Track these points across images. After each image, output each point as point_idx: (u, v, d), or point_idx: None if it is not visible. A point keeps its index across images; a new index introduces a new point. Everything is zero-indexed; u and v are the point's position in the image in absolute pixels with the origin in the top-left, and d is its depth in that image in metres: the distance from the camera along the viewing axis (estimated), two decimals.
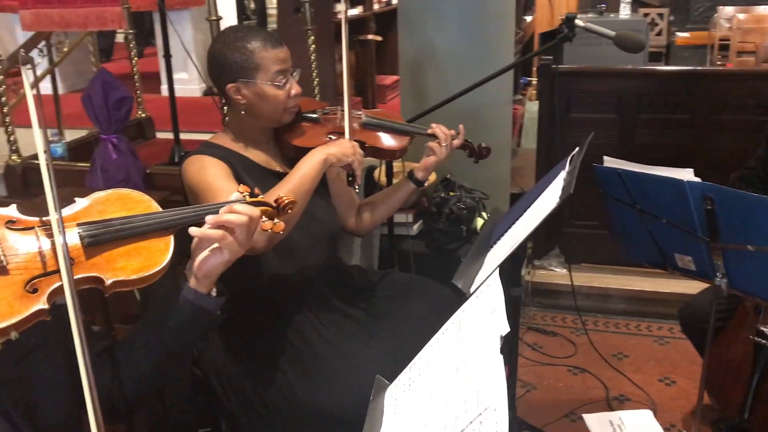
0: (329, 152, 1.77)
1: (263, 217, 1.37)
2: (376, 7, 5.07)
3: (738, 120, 3.11)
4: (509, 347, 2.13)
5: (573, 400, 2.61)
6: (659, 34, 7.35)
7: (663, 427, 2.44)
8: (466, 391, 1.05)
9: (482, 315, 1.18)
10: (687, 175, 1.72)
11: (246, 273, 1.68)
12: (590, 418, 2.50)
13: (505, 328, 1.09)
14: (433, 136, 2.08)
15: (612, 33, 2.15)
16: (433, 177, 2.88)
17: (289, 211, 1.44)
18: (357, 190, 2.06)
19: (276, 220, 1.40)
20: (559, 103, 3.23)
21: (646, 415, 2.52)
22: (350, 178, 1.86)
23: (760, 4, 6.71)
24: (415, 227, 2.83)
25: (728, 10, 6.37)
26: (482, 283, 1.45)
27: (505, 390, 0.96)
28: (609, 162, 1.86)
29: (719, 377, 2.15)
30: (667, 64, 6.87)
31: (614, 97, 3.24)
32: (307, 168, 1.74)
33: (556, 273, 3.35)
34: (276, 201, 1.43)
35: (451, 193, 2.84)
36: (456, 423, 1.01)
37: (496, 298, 1.18)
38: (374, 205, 2.15)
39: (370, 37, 4.71)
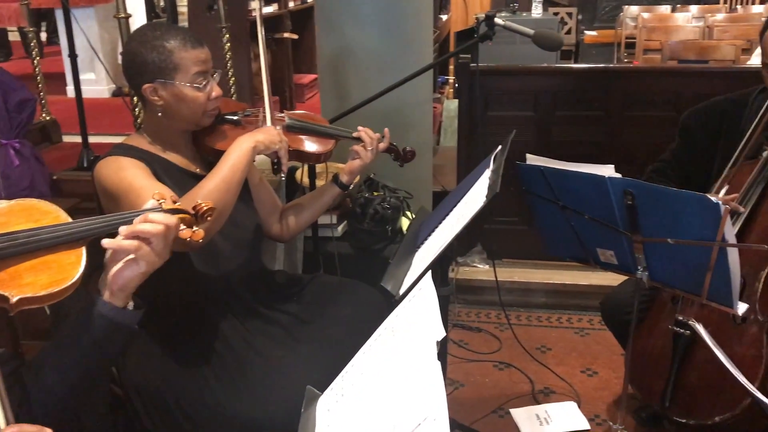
0: (257, 139, 1.73)
1: (181, 225, 1.30)
2: (291, 4, 5.00)
3: (648, 115, 3.21)
4: (441, 348, 2.12)
5: (500, 396, 2.64)
6: (569, 32, 7.57)
7: (587, 418, 2.49)
8: (402, 400, 1.02)
9: (416, 320, 1.15)
10: (608, 171, 1.75)
11: (166, 280, 1.60)
12: (517, 413, 2.52)
13: (441, 333, 1.07)
14: (359, 140, 2.05)
15: (531, 31, 2.17)
16: (356, 178, 2.85)
17: (208, 218, 1.38)
18: (282, 177, 2.02)
19: (195, 228, 1.33)
20: (478, 102, 3.26)
21: (571, 406, 2.57)
22: (275, 166, 1.83)
23: (662, 4, 7.02)
24: (340, 228, 2.79)
25: (633, 10, 6.63)
26: (412, 285, 1.43)
27: (445, 399, 0.94)
28: (531, 159, 1.88)
29: (640, 367, 2.21)
30: (576, 62, 7.08)
31: (531, 95, 3.29)
32: (236, 156, 1.69)
33: (479, 269, 3.39)
34: (194, 208, 1.36)
35: (375, 193, 2.81)
36: None
37: (429, 302, 1.15)
38: (298, 210, 2.10)
39: (286, 35, 4.63)
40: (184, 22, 4.96)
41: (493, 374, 2.79)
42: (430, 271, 1.42)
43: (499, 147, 1.94)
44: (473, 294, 3.34)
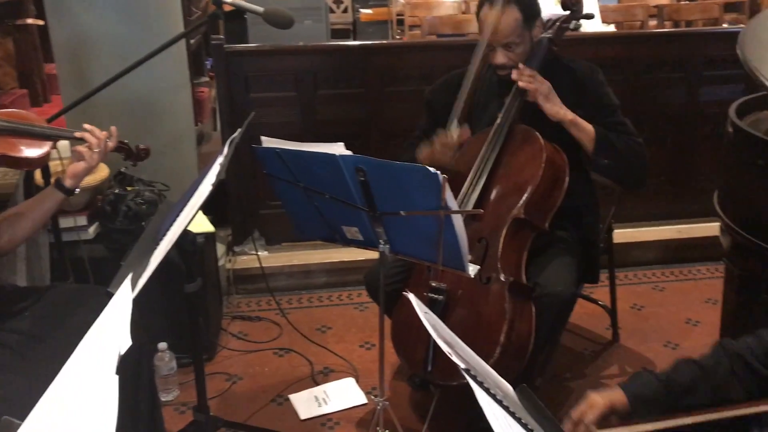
0: None
1: None
2: None
3: (407, 91, 3.29)
4: (194, 352, 2.02)
5: (280, 383, 2.60)
6: (345, 11, 7.64)
7: (365, 391, 2.53)
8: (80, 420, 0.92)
9: (107, 331, 1.05)
10: (339, 149, 1.74)
11: None
12: (296, 398, 2.50)
13: (126, 344, 0.98)
14: (81, 140, 1.87)
15: (260, 9, 2.11)
16: (104, 173, 2.64)
17: None
18: None
19: None
20: (237, 84, 3.16)
21: (349, 382, 2.59)
22: None
23: None
24: (91, 230, 2.58)
25: None
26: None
27: (114, 415, 0.85)
28: (267, 142, 1.82)
29: (403, 336, 2.26)
30: (354, 40, 7.17)
31: (291, 75, 3.24)
32: None
33: (257, 257, 3.30)
34: None
35: (129, 188, 2.63)
36: None
37: (121, 310, 1.05)
38: (15, 220, 1.86)
39: (30, 21, 4.19)
40: None
41: (273, 362, 2.74)
42: (129, 276, 1.32)
43: (238, 131, 1.87)
44: (253, 283, 3.26)
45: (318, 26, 5.40)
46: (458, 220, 1.63)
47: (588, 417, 1.41)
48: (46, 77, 4.44)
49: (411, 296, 1.34)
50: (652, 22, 4.84)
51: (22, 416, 1.26)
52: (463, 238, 1.67)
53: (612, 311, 2.85)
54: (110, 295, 1.64)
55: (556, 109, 2.15)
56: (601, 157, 2.19)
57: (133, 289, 1.65)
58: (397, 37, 6.47)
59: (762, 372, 1.40)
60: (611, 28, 4.78)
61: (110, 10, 2.72)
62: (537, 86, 2.14)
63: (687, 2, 5.28)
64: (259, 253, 3.33)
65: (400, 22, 6.64)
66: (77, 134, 1.86)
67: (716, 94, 3.42)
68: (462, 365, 1.15)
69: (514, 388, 1.37)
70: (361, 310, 3.10)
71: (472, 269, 1.80)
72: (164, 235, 1.81)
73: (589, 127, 2.17)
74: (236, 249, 3.34)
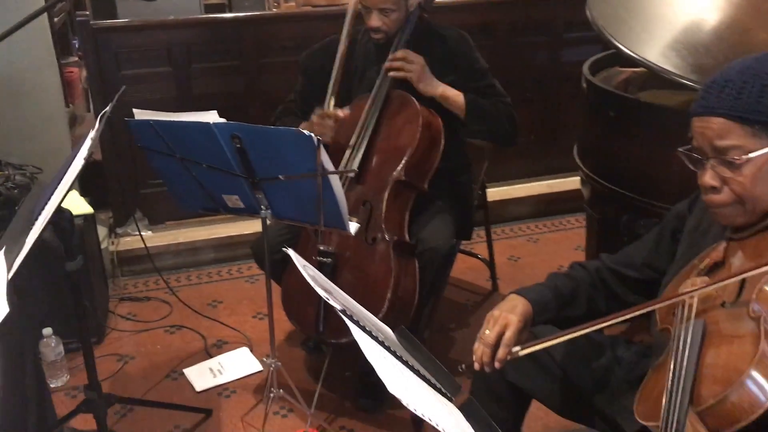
0: None
1: None
2: None
3: (283, 61, 3.30)
4: (81, 330, 2.00)
5: (173, 359, 2.60)
6: None
7: (259, 359, 2.57)
8: None
9: None
10: (212, 117, 1.76)
11: None
12: (190, 371, 2.51)
13: (4, 310, 0.98)
14: None
15: None
16: None
17: None
18: None
19: None
20: (108, 62, 3.07)
21: (243, 352, 2.63)
22: None
23: None
24: None
25: None
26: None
27: None
28: (139, 114, 1.81)
29: (293, 301, 2.32)
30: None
31: (164, 50, 3.18)
32: None
33: (140, 237, 3.25)
34: None
35: None
36: None
37: None
38: None
39: None
40: None
41: (164, 339, 2.73)
42: (1, 255, 1.30)
43: (108, 106, 1.84)
44: (139, 264, 3.20)
45: (191, 1, 5.26)
46: (336, 181, 1.70)
47: (507, 336, 1.39)
48: None
49: (290, 251, 1.40)
50: None
51: None
52: (341, 198, 1.74)
53: (491, 263, 3.02)
54: None
55: (428, 88, 2.25)
56: (473, 122, 2.30)
57: (9, 270, 1.62)
58: (274, 9, 6.42)
59: (616, 286, 1.54)
60: None
61: None
62: (407, 71, 2.23)
63: None
64: (143, 233, 3.27)
65: None
66: None
67: (578, 55, 3.63)
68: (338, 307, 1.21)
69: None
70: (252, 283, 3.13)
71: (353, 227, 1.88)
72: (39, 214, 1.77)
73: (459, 98, 2.27)
74: (119, 231, 3.26)
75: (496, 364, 1.40)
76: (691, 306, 1.09)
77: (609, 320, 1.29)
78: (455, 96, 2.26)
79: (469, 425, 1.19)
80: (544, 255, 3.33)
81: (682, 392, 0.98)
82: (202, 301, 2.96)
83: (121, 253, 3.17)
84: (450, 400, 1.26)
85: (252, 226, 3.29)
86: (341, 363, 2.47)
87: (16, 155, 2.63)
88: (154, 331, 2.78)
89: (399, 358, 1.28)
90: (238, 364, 2.55)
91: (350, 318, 1.21)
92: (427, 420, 1.04)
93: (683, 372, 1.01)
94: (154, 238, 3.27)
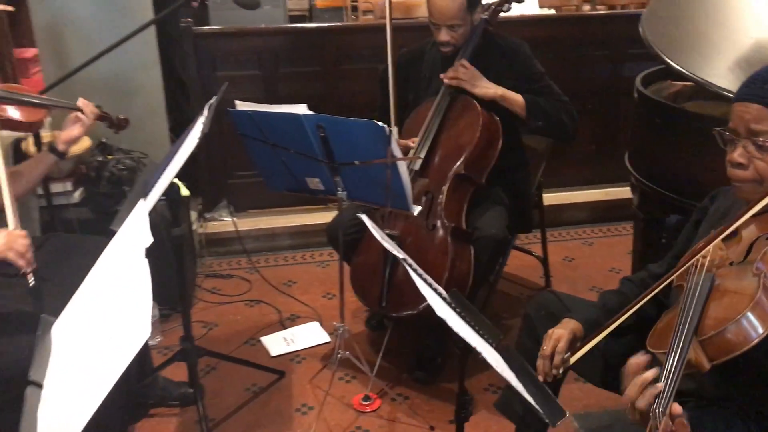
0: None
1: None
2: None
3: (360, 69, 3.61)
4: (181, 287, 2.33)
5: (251, 328, 2.92)
6: None
7: (328, 333, 2.86)
8: (118, 298, 1.23)
9: (129, 235, 1.36)
10: (302, 109, 2.06)
11: None
12: (266, 339, 2.82)
13: (149, 240, 1.29)
14: (76, 110, 2.15)
15: None
16: (87, 143, 2.91)
17: None
18: (32, 283, 1.85)
19: None
20: (205, 63, 3.44)
21: (314, 326, 2.92)
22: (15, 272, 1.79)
23: None
24: (77, 194, 2.85)
25: None
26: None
27: (149, 283, 1.16)
28: (240, 105, 2.13)
29: (362, 279, 2.60)
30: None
31: (255, 55, 3.54)
32: None
33: (226, 222, 3.60)
34: None
35: (109, 157, 2.90)
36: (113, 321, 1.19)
37: (140, 222, 1.36)
38: (16, 177, 2.13)
39: (1, 7, 4.38)
40: None
41: (244, 311, 3.06)
42: (142, 199, 1.62)
43: (213, 98, 2.17)
44: (223, 246, 3.56)
45: (276, 11, 5.66)
46: (403, 167, 1.97)
47: (560, 346, 1.64)
48: (16, 61, 4.62)
49: (364, 217, 1.67)
50: (587, 7, 5.24)
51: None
52: (407, 183, 2.01)
53: (544, 260, 3.23)
54: (113, 233, 1.94)
55: (484, 90, 2.50)
56: (534, 120, 2.54)
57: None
58: (351, 20, 6.77)
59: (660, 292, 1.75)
60: (551, 12, 5.16)
61: None
62: (460, 79, 2.48)
63: None
64: (226, 219, 3.64)
65: (355, 9, 6.95)
66: (78, 104, 2.14)
67: (638, 70, 3.79)
68: (401, 256, 1.47)
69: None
70: (323, 267, 3.43)
71: (416, 209, 2.14)
72: (152, 187, 2.11)
73: (518, 98, 2.51)
74: (207, 215, 3.63)
75: (553, 371, 1.65)
76: (702, 264, 1.32)
77: (636, 304, 1.50)
78: (514, 96, 2.50)
79: (507, 366, 1.43)
80: (598, 257, 3.51)
81: (688, 325, 1.21)
82: (278, 281, 3.27)
83: (208, 236, 3.53)
84: (491, 345, 1.50)
85: (324, 217, 3.59)
86: (400, 339, 2.73)
87: (125, 142, 3.01)
88: (236, 303, 3.11)
89: (453, 308, 1.53)
90: (308, 335, 2.85)
91: (414, 271, 1.47)
92: (475, 347, 1.29)
93: (691, 310, 1.23)
94: (238, 223, 3.61)
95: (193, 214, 3.49)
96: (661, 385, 1.15)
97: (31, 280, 1.80)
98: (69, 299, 1.91)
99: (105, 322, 1.20)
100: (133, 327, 1.06)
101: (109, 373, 1.06)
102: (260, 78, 3.56)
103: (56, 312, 1.89)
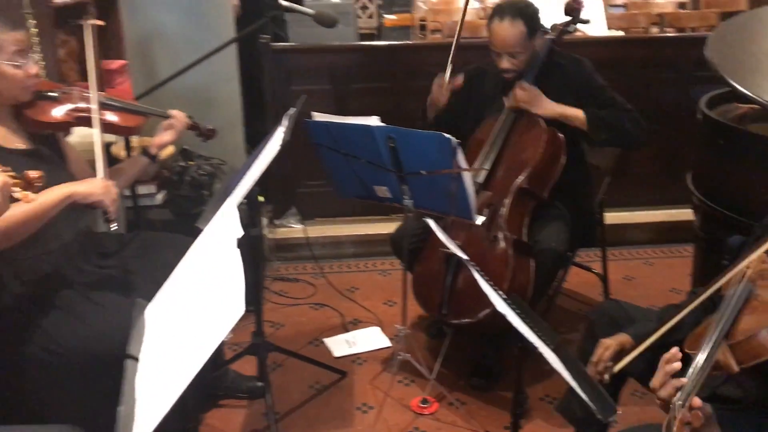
0: (76, 190, 1.93)
1: (15, 187, 1.55)
2: None
3: (426, 85, 3.71)
4: (255, 286, 2.48)
5: (315, 330, 3.05)
6: (371, 17, 8.12)
7: (388, 338, 2.97)
8: (211, 282, 1.37)
9: (220, 229, 1.50)
10: (374, 121, 2.19)
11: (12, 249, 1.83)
12: (329, 340, 2.95)
13: (239, 233, 1.42)
14: (169, 118, 2.34)
15: (312, 11, 2.56)
16: (170, 150, 3.12)
17: (37, 184, 1.63)
18: (115, 228, 2.07)
19: (27, 192, 1.58)
20: (281, 77, 3.62)
21: (375, 330, 3.04)
22: (106, 215, 1.99)
23: None
24: (160, 197, 3.05)
25: None
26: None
27: (242, 274, 1.29)
28: (317, 117, 2.28)
29: (423, 286, 2.70)
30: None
31: (328, 71, 3.71)
32: (47, 198, 1.86)
33: (294, 229, 3.77)
34: (24, 176, 1.61)
35: (190, 162, 3.09)
36: (205, 305, 1.33)
37: (230, 217, 1.50)
38: (116, 174, 2.32)
39: (91, 21, 4.69)
40: None
41: (309, 314, 3.20)
42: (231, 197, 1.77)
43: (292, 109, 2.32)
44: (291, 251, 3.72)
45: (347, 29, 5.86)
46: (467, 178, 2.07)
47: (605, 355, 1.76)
48: (103, 71, 4.94)
49: (431, 222, 1.78)
50: (655, 29, 5.25)
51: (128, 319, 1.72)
52: (471, 194, 2.11)
53: (604, 277, 3.27)
54: (199, 231, 2.11)
55: (543, 110, 2.58)
56: (597, 133, 2.59)
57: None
58: (418, 39, 6.93)
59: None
60: (619, 34, 5.20)
61: (176, 10, 3.19)
62: (521, 102, 2.58)
63: (687, 11, 5.68)
64: (295, 226, 3.81)
65: (422, 28, 7.11)
66: (170, 113, 2.33)
67: (705, 92, 3.81)
68: (465, 258, 1.57)
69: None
70: (385, 276, 3.55)
71: (479, 219, 2.24)
72: (234, 188, 2.27)
73: (578, 113, 2.58)
74: (276, 222, 3.80)
75: (598, 377, 1.74)
76: (745, 275, 1.38)
77: (685, 309, 1.57)
78: (574, 113, 2.57)
79: (563, 365, 1.51)
80: (658, 277, 3.52)
81: (720, 329, 1.28)
82: (341, 286, 3.41)
83: (276, 241, 3.69)
84: (549, 347, 1.59)
85: (387, 227, 3.70)
86: (458, 347, 2.81)
87: (205, 149, 3.20)
88: (301, 306, 3.25)
89: (513, 309, 1.62)
90: (369, 339, 2.97)
91: (478, 272, 1.57)
92: (533, 342, 1.38)
93: (725, 316, 1.30)
94: (304, 231, 3.77)
95: (263, 221, 3.66)
96: (684, 380, 1.22)
97: (114, 226, 2.02)
98: (155, 288, 2.09)
99: (200, 303, 1.34)
100: (228, 306, 1.19)
101: (203, 348, 1.19)
102: (332, 92, 3.73)
103: (145, 298, 2.07)
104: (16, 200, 1.56)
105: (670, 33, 5.17)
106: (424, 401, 2.56)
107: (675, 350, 1.31)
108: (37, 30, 3.12)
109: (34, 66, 1.97)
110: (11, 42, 1.89)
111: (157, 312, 1.53)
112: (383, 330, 3.04)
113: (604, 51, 3.80)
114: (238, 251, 1.32)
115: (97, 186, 1.98)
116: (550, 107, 2.59)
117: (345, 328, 3.07)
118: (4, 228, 1.77)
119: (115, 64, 5.24)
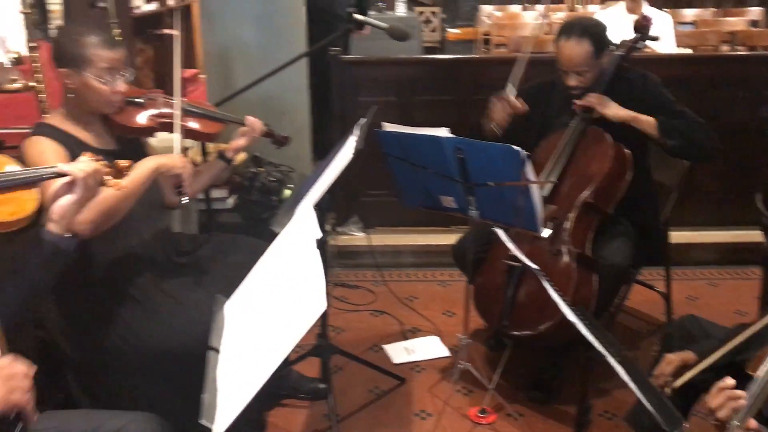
0: (162, 162, 2.08)
1: (107, 176, 1.67)
2: (171, 2, 5.24)
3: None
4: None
5: (375, 336, 3.11)
6: (434, 30, 8.20)
7: (448, 348, 3.00)
8: (291, 281, 1.44)
9: (299, 229, 1.58)
10: (443, 132, 2.24)
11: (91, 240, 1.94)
12: (388, 347, 3.00)
13: (318, 235, 1.49)
14: (245, 125, 2.44)
15: (385, 25, 2.64)
16: (242, 156, 3.23)
17: (126, 173, 1.75)
18: (186, 201, 2.22)
19: (117, 180, 1.70)
20: (349, 88, 3.71)
21: (434, 339, 3.07)
22: (178, 189, 2.14)
23: (512, 3, 7.76)
24: (230, 201, 3.17)
25: (487, 9, 7.31)
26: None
27: (322, 272, 1.35)
28: (387, 127, 2.34)
29: (484, 297, 2.73)
30: None
31: (394, 83, 3.78)
32: (137, 173, 1.99)
33: (355, 237, 3.84)
34: (115, 164, 1.73)
35: (260, 169, 3.21)
36: (285, 303, 1.40)
37: (308, 219, 1.58)
38: (197, 175, 2.43)
39: (167, 31, 4.88)
40: (56, 19, 5.09)
41: (369, 321, 3.26)
42: (306, 200, 1.84)
43: (362, 119, 2.39)
44: (351, 258, 3.79)
45: (411, 43, 5.93)
46: (535, 190, 2.10)
47: (666, 370, 1.80)
48: None
49: (500, 231, 1.81)
50: (725, 47, 5.16)
51: (203, 317, 1.80)
52: (538, 206, 2.14)
53: (667, 296, 3.23)
54: (271, 234, 2.19)
55: (614, 111, 2.58)
56: (668, 139, 2.55)
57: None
58: (482, 52, 6.96)
59: None
60: (688, 52, 5.13)
61: (252, 22, 3.33)
62: (588, 101, 2.58)
63: (759, 29, 5.56)
64: (356, 234, 3.88)
65: (486, 42, 7.14)
66: (246, 120, 2.44)
67: None
68: (534, 266, 1.60)
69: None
70: (444, 287, 3.58)
71: (545, 232, 2.26)
72: (305, 194, 2.35)
73: (650, 119, 2.55)
74: (338, 229, 3.88)
75: (659, 390, 1.74)
76: None
77: (749, 330, 1.57)
78: (646, 118, 2.55)
79: (628, 376, 1.53)
80: (723, 298, 3.46)
81: None
82: (401, 295, 3.46)
83: (339, 248, 3.77)
84: (615, 358, 1.60)
85: (448, 239, 3.74)
86: (518, 359, 2.82)
87: (275, 157, 3.31)
88: (361, 312, 3.32)
89: (580, 318, 1.64)
90: (428, 347, 3.00)
91: (548, 281, 1.60)
92: (600, 351, 1.40)
93: None
94: (365, 239, 3.84)
95: (326, 227, 3.75)
96: (743, 402, 1.23)
97: (185, 199, 2.17)
98: (229, 286, 2.18)
99: (281, 300, 1.41)
100: (309, 302, 1.26)
101: (284, 343, 1.26)
102: (397, 104, 3.80)
103: (210, 296, 2.15)
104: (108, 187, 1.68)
105: (742, 51, 5.07)
106: (483, 411, 2.58)
107: (729, 380, 1.33)
108: (121, 39, 3.27)
109: (122, 84, 2.07)
110: (103, 59, 2.00)
111: (237, 308, 1.61)
112: (442, 340, 3.07)
113: (672, 69, 3.77)
114: (317, 251, 1.38)
115: (177, 159, 2.11)
116: (621, 111, 2.58)
117: (404, 335, 3.12)
118: (105, 207, 1.89)
119: (188, 72, 5.44)
